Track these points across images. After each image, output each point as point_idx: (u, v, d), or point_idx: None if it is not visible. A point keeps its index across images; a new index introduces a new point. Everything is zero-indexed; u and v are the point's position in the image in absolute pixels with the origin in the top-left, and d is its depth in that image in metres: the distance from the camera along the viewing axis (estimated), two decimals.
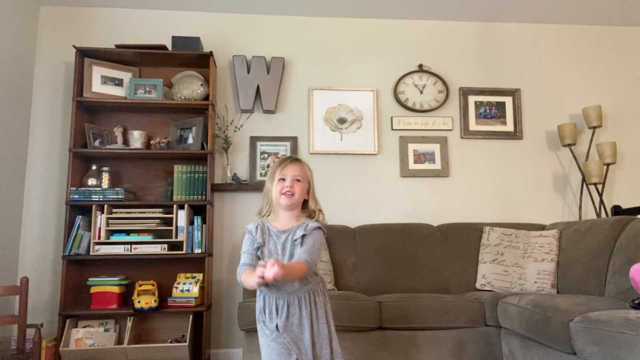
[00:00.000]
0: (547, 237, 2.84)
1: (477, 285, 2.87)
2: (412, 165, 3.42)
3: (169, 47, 3.17)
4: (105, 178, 3.04)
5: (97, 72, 3.10)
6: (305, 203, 1.75)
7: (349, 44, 3.54)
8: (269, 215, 1.73)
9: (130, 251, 2.87)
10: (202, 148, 3.08)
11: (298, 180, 1.68)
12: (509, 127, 3.53)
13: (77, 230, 2.88)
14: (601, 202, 3.27)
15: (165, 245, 2.91)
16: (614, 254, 2.36)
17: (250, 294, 2.49)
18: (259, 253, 1.67)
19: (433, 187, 3.42)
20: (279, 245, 1.65)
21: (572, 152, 3.37)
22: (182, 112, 3.23)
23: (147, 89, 3.10)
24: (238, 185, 3.20)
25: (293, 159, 1.74)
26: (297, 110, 3.42)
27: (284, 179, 1.67)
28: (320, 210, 1.74)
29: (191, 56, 3.17)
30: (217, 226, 3.22)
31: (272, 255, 1.62)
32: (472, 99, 3.54)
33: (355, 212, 3.31)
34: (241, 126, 3.31)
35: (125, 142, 3.14)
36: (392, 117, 3.47)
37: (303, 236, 1.62)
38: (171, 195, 3.06)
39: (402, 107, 3.49)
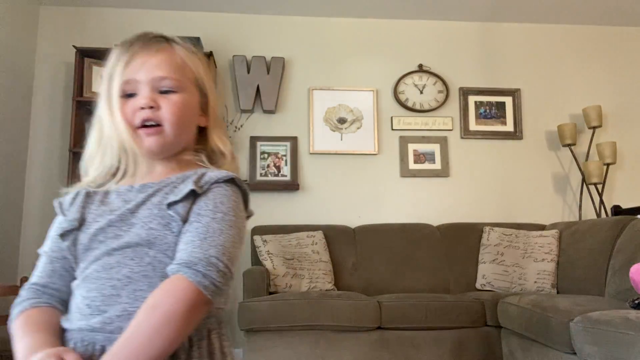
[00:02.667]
0: (547, 237, 2.84)
1: (477, 285, 2.87)
2: (412, 165, 3.41)
3: None
4: None
5: (97, 72, 3.10)
6: (200, 139, 0.91)
7: (349, 44, 3.53)
8: (115, 177, 0.87)
9: None
10: None
11: (167, 92, 0.83)
12: (509, 127, 3.53)
13: None
14: (601, 202, 3.27)
15: None
16: (614, 254, 2.36)
17: (251, 293, 2.49)
18: (69, 248, 0.82)
19: (433, 187, 3.41)
20: (114, 217, 0.80)
21: (572, 152, 3.37)
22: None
23: None
24: None
25: (150, 37, 0.88)
26: (297, 110, 3.42)
27: (131, 94, 0.83)
28: (231, 154, 0.91)
29: None
30: None
31: (92, 247, 0.79)
32: (472, 99, 3.54)
33: (355, 212, 3.30)
34: (241, 126, 3.31)
35: None
36: (392, 117, 3.47)
37: (194, 196, 0.79)
38: None
39: (402, 107, 3.49)
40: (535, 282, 2.71)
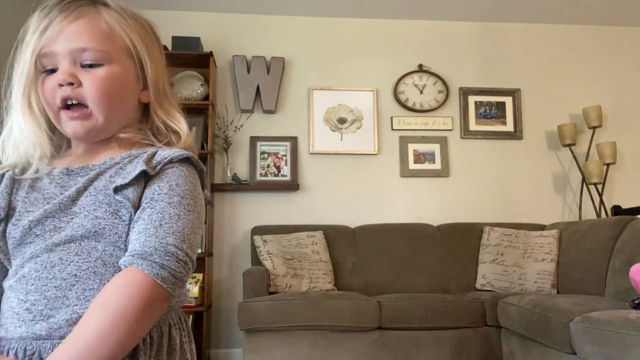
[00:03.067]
0: (547, 237, 2.84)
1: (477, 285, 2.87)
2: (412, 165, 3.41)
3: (169, 47, 3.17)
4: None
5: None
6: (143, 118, 0.80)
7: (349, 44, 3.54)
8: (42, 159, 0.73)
9: None
10: (202, 148, 3.08)
11: (91, 65, 0.71)
12: (509, 127, 3.53)
13: None
14: (601, 202, 3.27)
15: None
16: (614, 254, 2.36)
17: (251, 293, 2.49)
18: None
19: (433, 187, 3.42)
20: (51, 207, 0.68)
21: (572, 152, 3.37)
22: (182, 112, 3.22)
23: None
24: (238, 185, 3.20)
25: (63, 6, 0.71)
26: (297, 110, 3.42)
27: (52, 70, 0.71)
28: (185, 131, 0.80)
29: (191, 56, 3.17)
30: (217, 226, 3.22)
31: (26, 242, 0.68)
32: (472, 99, 3.54)
33: (355, 212, 3.31)
34: (241, 126, 3.31)
35: None
36: (392, 117, 3.47)
37: (145, 178, 0.69)
38: None
39: (402, 107, 3.49)
40: (535, 282, 2.72)
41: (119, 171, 0.70)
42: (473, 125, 3.51)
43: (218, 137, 3.24)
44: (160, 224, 0.66)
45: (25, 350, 0.64)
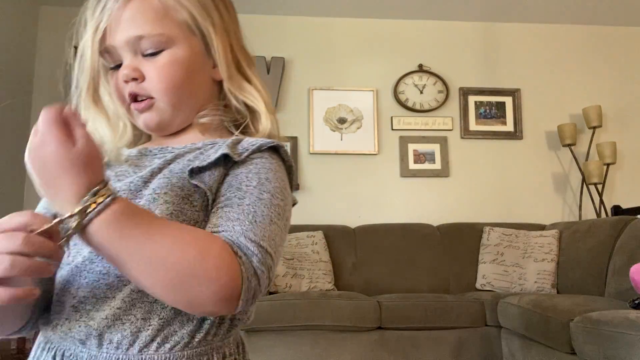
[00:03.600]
0: (547, 237, 2.84)
1: (477, 285, 2.87)
2: (412, 165, 3.41)
3: None
4: None
5: None
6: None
7: (349, 44, 3.53)
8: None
9: None
10: None
11: (152, 54, 0.64)
12: (509, 127, 3.53)
13: None
14: (601, 202, 3.27)
15: None
16: (614, 254, 2.36)
17: None
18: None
19: (433, 187, 3.41)
20: (120, 186, 0.60)
21: (572, 152, 3.37)
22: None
23: None
24: None
25: None
26: (297, 110, 3.42)
27: (114, 67, 0.67)
28: (267, 107, 0.71)
29: None
30: None
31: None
32: (472, 99, 3.54)
33: (355, 212, 3.30)
34: None
35: None
36: (392, 117, 3.47)
37: (224, 165, 0.61)
38: None
39: (402, 107, 3.49)
40: (535, 282, 2.71)
41: (198, 156, 0.62)
42: (473, 125, 3.51)
43: None
44: (255, 221, 0.55)
45: (63, 354, 0.57)
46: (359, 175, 3.39)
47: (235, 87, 0.69)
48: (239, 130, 0.67)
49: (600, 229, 2.54)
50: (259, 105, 0.69)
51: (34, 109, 3.25)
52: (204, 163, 0.59)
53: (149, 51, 0.64)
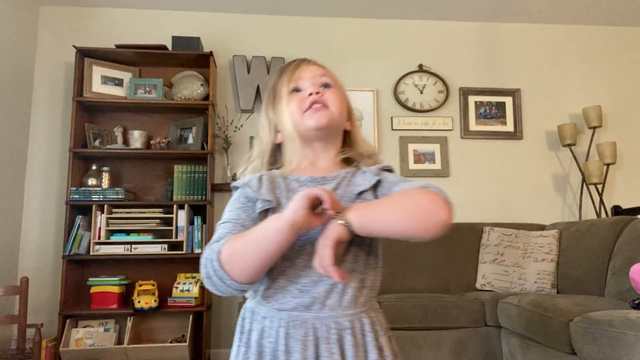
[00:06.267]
0: (547, 237, 2.84)
1: (477, 285, 2.87)
2: (412, 165, 3.41)
3: (169, 47, 3.17)
4: (105, 178, 3.04)
5: (97, 72, 3.10)
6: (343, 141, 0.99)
7: (349, 44, 3.54)
8: (272, 167, 0.97)
9: (130, 251, 2.87)
10: (202, 148, 3.08)
11: (327, 86, 0.96)
12: (509, 127, 3.53)
13: (77, 230, 2.88)
14: (601, 202, 3.27)
15: (165, 245, 2.91)
16: (614, 254, 2.36)
17: None
18: (254, 221, 0.86)
19: None
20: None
21: (572, 152, 3.37)
22: (182, 112, 3.23)
23: (147, 89, 3.10)
24: None
25: (305, 60, 1.00)
26: None
27: (297, 90, 0.95)
28: (372, 154, 0.98)
29: (191, 56, 3.17)
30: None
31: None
32: (472, 99, 3.54)
33: None
34: (241, 126, 3.31)
35: (125, 142, 3.14)
36: (392, 117, 3.47)
37: (376, 183, 0.89)
38: (171, 195, 3.06)
39: (402, 107, 3.49)
40: (535, 282, 2.71)
41: (349, 182, 0.91)
42: (473, 125, 3.51)
43: (218, 137, 3.24)
44: (423, 186, 0.83)
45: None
46: None
47: (363, 139, 1.00)
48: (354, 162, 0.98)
49: (600, 229, 2.54)
50: (372, 152, 1.00)
51: (34, 109, 3.25)
52: (366, 187, 0.89)
53: (325, 83, 0.97)
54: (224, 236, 0.82)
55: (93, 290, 2.89)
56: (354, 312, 0.84)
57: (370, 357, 0.84)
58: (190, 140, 3.15)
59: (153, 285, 2.89)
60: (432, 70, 3.54)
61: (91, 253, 2.86)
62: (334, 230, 0.76)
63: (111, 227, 2.90)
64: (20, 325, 2.31)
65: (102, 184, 3.02)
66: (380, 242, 0.91)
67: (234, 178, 3.17)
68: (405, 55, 3.56)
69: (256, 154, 0.98)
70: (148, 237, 2.90)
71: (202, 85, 3.15)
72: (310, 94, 0.93)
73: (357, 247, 0.85)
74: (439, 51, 3.59)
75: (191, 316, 2.84)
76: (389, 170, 0.93)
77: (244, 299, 0.95)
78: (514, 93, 3.57)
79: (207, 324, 2.91)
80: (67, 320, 2.78)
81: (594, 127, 3.35)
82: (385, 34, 3.58)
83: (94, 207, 2.89)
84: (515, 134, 3.53)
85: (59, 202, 3.09)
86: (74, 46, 3.03)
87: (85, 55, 3.07)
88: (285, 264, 0.82)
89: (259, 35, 3.47)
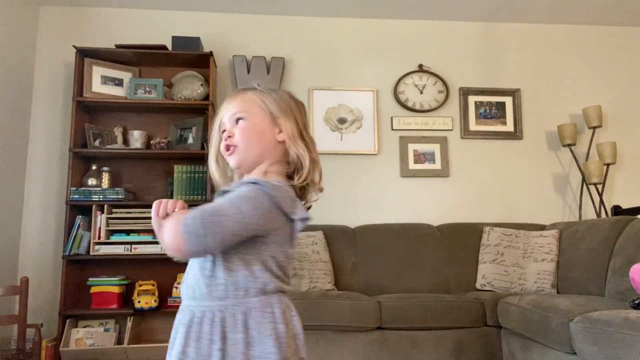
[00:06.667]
0: (547, 237, 2.84)
1: (477, 285, 2.87)
2: (412, 165, 3.41)
3: (169, 47, 3.17)
4: (105, 178, 3.04)
5: (97, 72, 3.10)
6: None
7: (349, 44, 3.54)
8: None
9: (130, 251, 2.87)
10: (202, 148, 3.08)
11: (240, 119, 1.04)
12: (509, 127, 3.53)
13: (77, 230, 2.88)
14: (601, 202, 3.27)
15: None
16: (614, 254, 2.36)
17: None
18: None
19: (433, 187, 3.41)
20: None
21: (572, 152, 3.37)
22: (182, 112, 3.23)
23: (147, 89, 3.10)
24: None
25: (228, 97, 1.11)
26: None
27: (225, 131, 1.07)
28: (310, 162, 1.05)
29: (191, 56, 3.17)
30: None
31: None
32: (472, 99, 3.54)
33: (355, 212, 3.30)
34: None
35: (125, 142, 3.14)
36: (392, 117, 3.47)
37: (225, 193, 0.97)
38: (171, 195, 3.06)
39: (402, 107, 3.49)
40: (535, 282, 2.72)
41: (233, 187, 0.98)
42: (473, 126, 3.51)
43: None
44: (204, 208, 0.92)
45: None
46: (359, 175, 3.39)
47: (294, 147, 1.03)
48: (293, 176, 1.05)
49: (600, 229, 2.54)
50: (305, 162, 1.04)
51: (34, 109, 3.25)
52: (217, 196, 0.98)
53: (240, 117, 1.04)
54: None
55: (93, 290, 2.89)
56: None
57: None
58: (190, 141, 3.15)
59: (153, 285, 2.89)
60: (432, 70, 3.54)
61: (91, 253, 2.86)
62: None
63: (111, 227, 2.90)
64: (20, 325, 2.31)
65: (102, 184, 3.02)
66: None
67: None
68: (405, 55, 3.56)
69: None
70: (148, 237, 2.90)
71: (202, 85, 3.15)
72: (224, 134, 1.06)
73: None
74: (439, 51, 3.59)
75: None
76: (254, 183, 0.95)
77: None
78: (514, 93, 3.57)
79: None
80: (67, 320, 2.78)
81: (594, 127, 3.35)
82: (385, 34, 3.58)
83: (94, 207, 2.89)
84: (515, 134, 3.53)
85: (59, 202, 3.09)
86: (74, 46, 3.03)
87: (85, 55, 3.07)
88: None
89: (259, 35, 3.47)
